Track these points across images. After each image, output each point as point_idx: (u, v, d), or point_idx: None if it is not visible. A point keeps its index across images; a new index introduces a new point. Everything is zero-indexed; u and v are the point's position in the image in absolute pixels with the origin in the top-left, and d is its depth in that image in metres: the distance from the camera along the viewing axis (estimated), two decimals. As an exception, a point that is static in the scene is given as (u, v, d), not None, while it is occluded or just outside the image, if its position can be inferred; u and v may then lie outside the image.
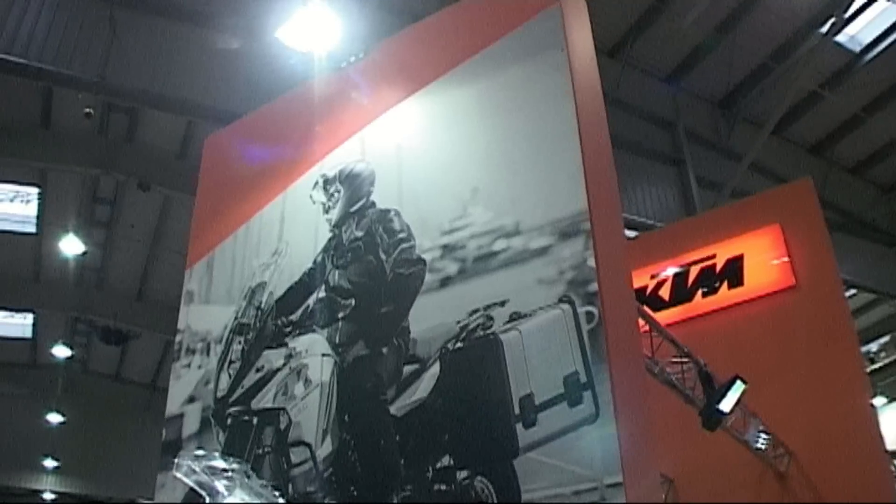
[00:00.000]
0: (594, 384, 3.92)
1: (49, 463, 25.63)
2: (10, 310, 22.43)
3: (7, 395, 26.15)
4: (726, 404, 8.26)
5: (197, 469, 3.09)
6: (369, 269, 5.06)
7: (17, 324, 23.32)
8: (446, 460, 4.26)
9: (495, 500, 4.03)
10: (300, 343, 5.26)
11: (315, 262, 5.47)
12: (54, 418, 24.78)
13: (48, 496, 27.43)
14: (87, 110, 12.88)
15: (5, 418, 25.40)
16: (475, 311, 4.46)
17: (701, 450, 9.70)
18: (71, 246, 17.79)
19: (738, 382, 8.32)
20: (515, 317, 4.30)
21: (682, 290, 11.44)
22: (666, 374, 8.32)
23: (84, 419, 25.48)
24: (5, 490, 29.26)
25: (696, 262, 11.50)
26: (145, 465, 14.27)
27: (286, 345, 5.35)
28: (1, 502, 27.56)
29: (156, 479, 5.73)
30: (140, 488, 15.20)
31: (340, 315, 5.10)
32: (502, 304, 4.36)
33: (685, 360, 8.46)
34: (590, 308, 4.09)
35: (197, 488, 2.99)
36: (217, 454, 3.86)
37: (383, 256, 5.02)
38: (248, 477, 3.20)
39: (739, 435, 9.20)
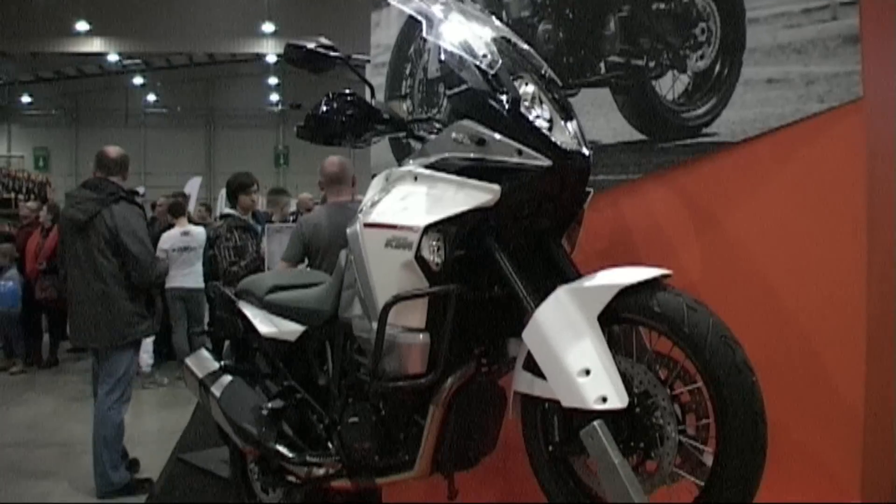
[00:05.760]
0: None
1: (267, 27, 27.01)
2: None
3: (220, -35, 27.15)
4: None
5: (411, -5, 3.02)
6: None
7: None
8: (667, -29, 3.98)
9: (717, 19, 3.80)
10: None
11: None
12: (266, -18, 25.68)
13: (270, 59, 29.46)
14: None
15: (222, -13, 26.61)
16: None
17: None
18: None
19: None
20: None
21: None
22: None
23: (293, -18, 26.22)
24: (232, 57, 31.62)
25: None
26: (356, 21, 14.65)
27: None
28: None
29: (369, 20, 5.80)
30: (352, 44, 15.73)
31: None
32: None
33: None
34: None
35: (414, 14, 2.96)
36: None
37: None
38: (463, 1, 3.11)
39: None
